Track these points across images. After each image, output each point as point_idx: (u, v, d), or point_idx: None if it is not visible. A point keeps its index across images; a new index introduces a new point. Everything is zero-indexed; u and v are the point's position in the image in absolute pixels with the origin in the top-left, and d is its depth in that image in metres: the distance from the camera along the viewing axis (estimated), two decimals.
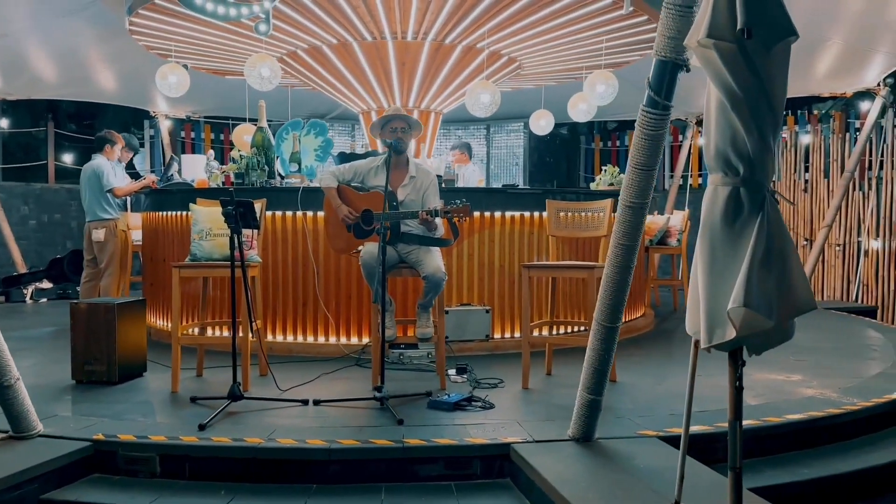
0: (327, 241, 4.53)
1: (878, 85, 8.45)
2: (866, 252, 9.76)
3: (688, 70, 2.57)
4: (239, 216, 3.82)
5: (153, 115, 11.13)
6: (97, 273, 6.35)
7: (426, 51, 6.53)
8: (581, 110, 7.57)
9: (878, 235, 9.51)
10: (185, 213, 5.77)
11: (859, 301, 9.62)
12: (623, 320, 6.15)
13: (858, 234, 9.93)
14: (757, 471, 3.36)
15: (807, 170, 10.60)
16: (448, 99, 7.22)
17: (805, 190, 10.53)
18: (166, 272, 6.00)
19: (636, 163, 2.72)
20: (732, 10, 1.98)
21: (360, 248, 4.36)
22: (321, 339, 5.37)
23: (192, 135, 12.77)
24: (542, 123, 8.54)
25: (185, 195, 5.91)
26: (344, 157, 5.55)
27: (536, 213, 5.51)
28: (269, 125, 9.24)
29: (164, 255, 6.05)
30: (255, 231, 4.45)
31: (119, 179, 6.49)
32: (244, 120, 12.09)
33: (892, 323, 9.08)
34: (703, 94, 7.30)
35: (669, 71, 2.57)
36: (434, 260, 4.18)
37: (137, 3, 6.16)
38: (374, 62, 6.65)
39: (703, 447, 3.37)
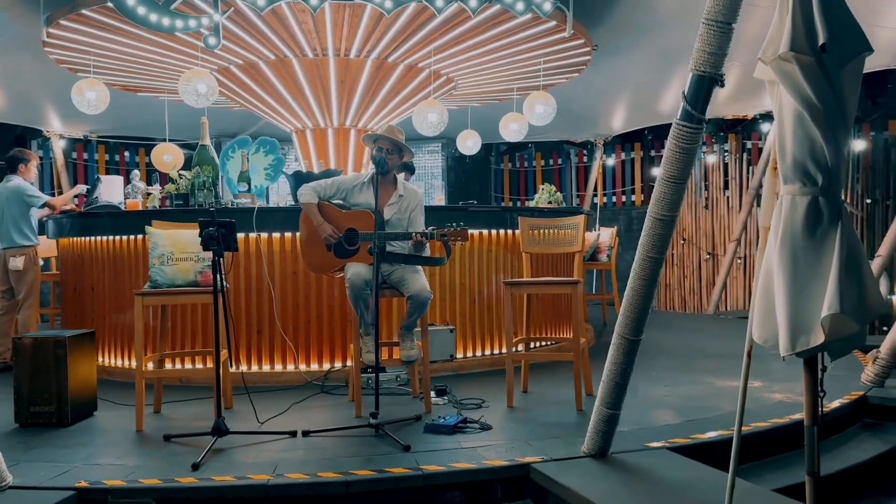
0: (302, 259, 4.33)
1: None
2: None
3: (722, 85, 2.64)
4: (221, 238, 3.58)
5: (46, 134, 10.34)
6: (13, 305, 5.78)
7: (368, 69, 6.43)
8: (513, 130, 7.66)
9: None
10: (118, 237, 5.37)
11: None
12: (565, 336, 6.22)
13: (757, 248, 10.59)
14: (757, 475, 3.46)
15: (706, 188, 11.22)
16: (386, 118, 7.13)
17: (706, 206, 11.12)
18: (96, 302, 5.56)
19: (669, 175, 2.76)
20: (810, 25, 2.04)
21: (337, 268, 4.19)
22: (278, 367, 5.11)
23: (85, 156, 11.97)
24: (470, 143, 8.60)
25: (117, 219, 5.52)
26: (299, 176, 5.34)
27: (494, 231, 5.51)
28: (181, 145, 8.86)
29: (91, 284, 5.60)
30: (230, 254, 4.19)
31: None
32: (143, 139, 11.55)
33: None
34: (610, 118, 7.55)
35: (707, 86, 2.63)
36: (419, 279, 4.07)
37: (59, 14, 5.72)
38: (314, 79, 6.47)
39: (708, 455, 3.45)
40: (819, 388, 2.15)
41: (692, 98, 2.65)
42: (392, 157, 4.14)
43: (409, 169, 6.70)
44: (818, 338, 2.05)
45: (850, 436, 4.15)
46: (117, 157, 12.17)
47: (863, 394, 4.48)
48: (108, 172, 11.80)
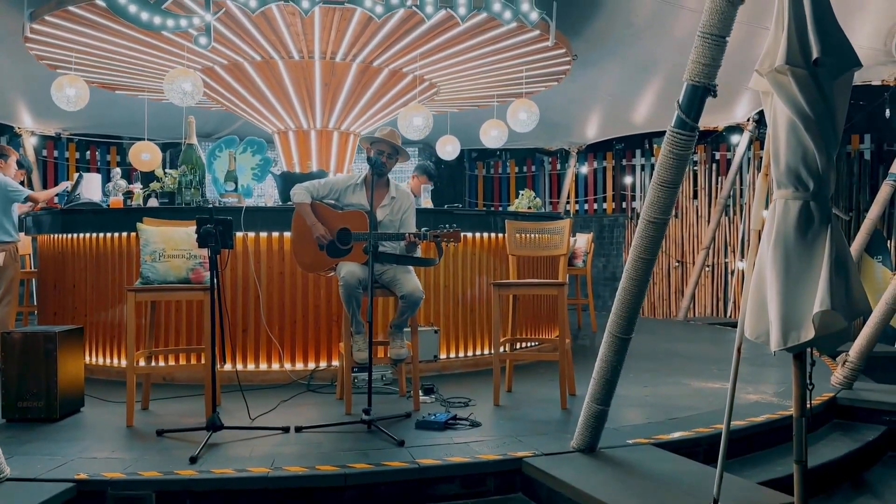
0: (294, 258, 4.38)
1: (747, 120, 9.34)
2: (732, 272, 10.71)
3: (714, 95, 2.78)
4: (218, 235, 3.63)
5: (17, 131, 10.20)
6: None
7: (353, 72, 6.50)
8: (493, 136, 7.78)
9: (743, 257, 10.45)
10: (102, 235, 5.36)
11: (729, 316, 10.50)
12: (547, 337, 6.33)
13: (725, 256, 10.88)
14: (737, 471, 3.60)
15: None
16: (369, 121, 7.20)
17: (675, 216, 11.36)
18: (77, 300, 5.53)
19: (662, 180, 2.89)
20: (804, 41, 2.18)
21: (330, 268, 4.25)
22: (263, 367, 5.14)
23: (56, 153, 11.81)
24: (449, 149, 8.70)
25: (101, 216, 5.50)
26: (286, 177, 5.39)
27: (478, 234, 5.61)
28: (157, 144, 8.81)
29: (73, 282, 5.57)
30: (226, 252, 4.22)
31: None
32: (114, 138, 11.44)
33: None
34: (584, 127, 7.78)
35: (700, 95, 2.76)
36: (412, 279, 4.16)
37: (44, 10, 5.70)
38: (299, 81, 6.52)
39: (691, 450, 3.58)
40: (808, 382, 2.28)
41: (686, 106, 2.79)
42: (390, 161, 4.24)
43: (430, 175, 6.74)
44: (808, 333, 2.18)
45: (822, 435, 4.32)
46: (88, 156, 12.04)
47: (833, 395, 4.67)
48: (78, 171, 11.67)
